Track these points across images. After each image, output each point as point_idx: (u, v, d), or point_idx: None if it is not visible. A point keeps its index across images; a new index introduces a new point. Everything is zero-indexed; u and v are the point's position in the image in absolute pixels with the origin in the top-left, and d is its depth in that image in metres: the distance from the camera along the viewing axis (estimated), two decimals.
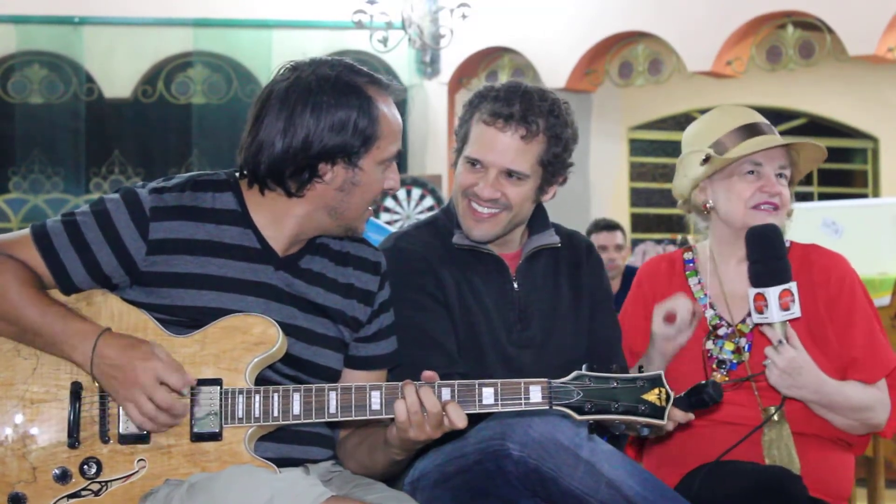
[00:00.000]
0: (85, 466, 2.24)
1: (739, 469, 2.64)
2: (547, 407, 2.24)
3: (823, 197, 10.49)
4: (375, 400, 2.25)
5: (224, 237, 2.35)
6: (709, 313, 2.87)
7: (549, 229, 2.87)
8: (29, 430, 2.25)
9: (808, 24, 8.72)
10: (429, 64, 9.90)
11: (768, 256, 2.72)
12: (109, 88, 9.92)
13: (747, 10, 8.72)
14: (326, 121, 2.30)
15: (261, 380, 2.29)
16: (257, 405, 2.24)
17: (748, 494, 2.54)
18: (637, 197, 10.73)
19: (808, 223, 7.44)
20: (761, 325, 2.72)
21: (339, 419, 2.27)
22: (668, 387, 2.25)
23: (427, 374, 2.26)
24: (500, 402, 2.24)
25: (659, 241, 8.87)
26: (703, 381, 2.31)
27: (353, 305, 2.45)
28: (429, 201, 9.55)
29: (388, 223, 8.81)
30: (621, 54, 9.54)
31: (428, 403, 2.21)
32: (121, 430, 2.25)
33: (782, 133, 2.96)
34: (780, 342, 2.66)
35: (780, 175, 2.83)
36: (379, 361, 2.51)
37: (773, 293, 2.66)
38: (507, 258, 2.82)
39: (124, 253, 2.29)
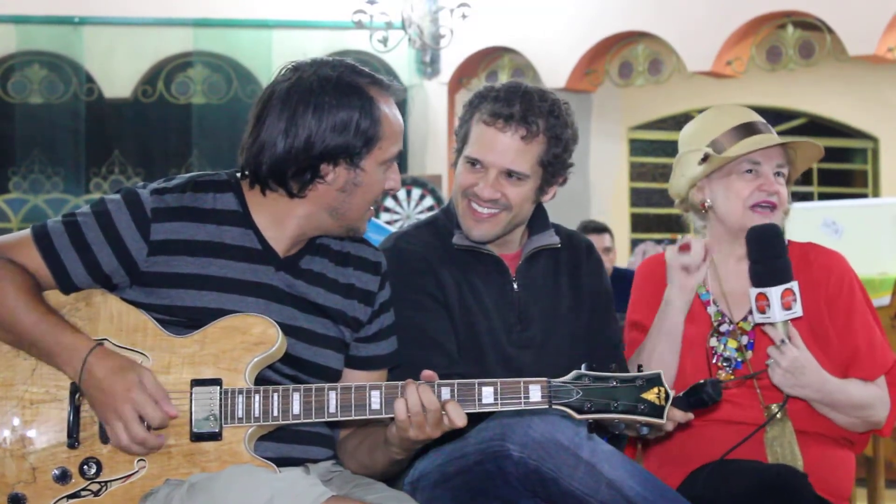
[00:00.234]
0: (85, 467, 2.24)
1: (744, 468, 2.63)
2: (546, 406, 2.24)
3: (823, 197, 10.49)
4: (375, 399, 2.25)
5: (225, 238, 2.35)
6: (711, 309, 2.87)
7: (549, 230, 2.87)
8: (28, 431, 2.25)
9: (808, 24, 8.72)
10: (429, 64, 9.90)
11: (769, 256, 2.72)
12: (109, 88, 9.92)
13: (747, 10, 8.72)
14: (328, 121, 2.30)
15: (261, 380, 2.29)
16: (257, 405, 2.24)
17: (754, 493, 2.54)
18: (637, 197, 10.73)
19: (808, 223, 7.44)
20: (763, 324, 2.72)
21: (339, 419, 2.27)
22: (667, 386, 2.25)
23: (426, 373, 2.26)
24: (499, 402, 2.24)
25: (659, 241, 8.87)
26: (702, 381, 2.31)
27: (353, 306, 2.45)
28: (429, 201, 9.55)
29: (388, 223, 8.81)
30: (621, 54, 9.54)
31: (428, 403, 2.22)
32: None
33: (782, 133, 2.96)
34: (783, 342, 2.67)
35: (778, 174, 2.83)
36: (379, 361, 2.51)
37: (775, 293, 2.66)
38: (507, 259, 2.82)
39: (125, 253, 2.29)
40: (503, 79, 9.55)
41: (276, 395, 2.25)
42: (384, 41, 9.38)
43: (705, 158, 2.81)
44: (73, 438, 2.24)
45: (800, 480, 2.57)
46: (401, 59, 9.76)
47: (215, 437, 2.24)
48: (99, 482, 2.24)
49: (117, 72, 9.91)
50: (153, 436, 2.21)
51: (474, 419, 2.33)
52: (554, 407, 2.24)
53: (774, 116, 10.15)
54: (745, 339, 2.82)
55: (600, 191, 10.21)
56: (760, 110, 3.00)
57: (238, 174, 2.42)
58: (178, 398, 2.24)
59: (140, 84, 9.95)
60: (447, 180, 9.58)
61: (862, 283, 2.91)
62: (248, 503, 2.09)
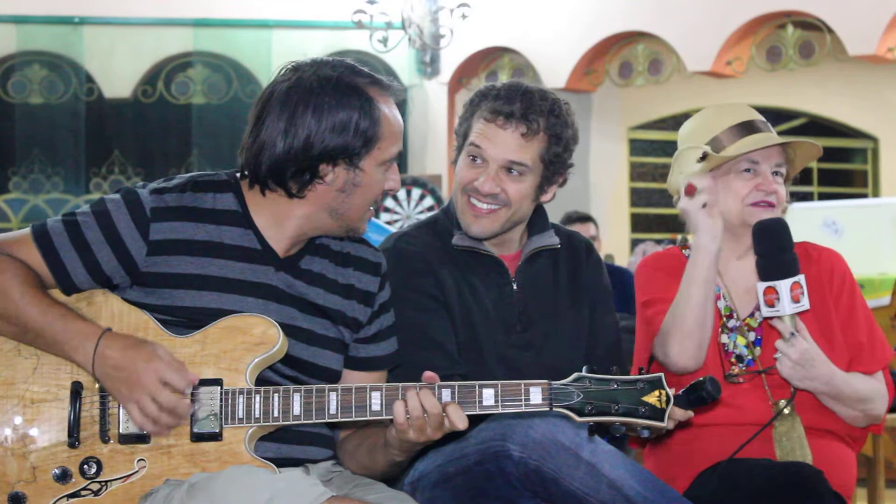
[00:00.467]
0: (85, 466, 2.24)
1: (759, 466, 2.64)
2: (547, 408, 2.24)
3: (823, 197, 10.49)
4: (375, 401, 2.25)
5: (224, 238, 2.35)
6: (721, 304, 2.87)
7: (549, 230, 2.87)
8: (29, 430, 2.25)
9: (808, 24, 8.72)
10: (429, 64, 9.90)
11: (778, 249, 2.73)
12: (109, 88, 9.92)
13: (747, 10, 8.72)
14: (328, 122, 2.29)
15: (261, 380, 2.29)
16: (257, 405, 2.24)
17: (771, 491, 2.53)
18: (637, 197, 10.73)
19: (808, 223, 7.45)
20: (771, 318, 2.73)
21: (340, 420, 2.27)
22: (668, 389, 2.25)
23: (428, 374, 2.26)
24: (500, 404, 2.24)
25: (659, 241, 8.88)
26: (701, 378, 2.31)
27: (353, 306, 2.45)
28: (429, 201, 9.55)
29: (388, 223, 8.81)
30: (621, 54, 9.54)
31: (429, 406, 2.21)
32: (121, 430, 2.25)
33: (782, 133, 2.97)
34: (793, 334, 2.68)
35: (777, 173, 2.84)
36: (379, 362, 2.51)
37: (784, 286, 2.68)
38: (506, 259, 2.82)
39: (125, 253, 2.29)
40: (503, 79, 9.56)
41: (276, 395, 2.25)
42: (384, 41, 9.38)
43: (704, 156, 2.81)
44: (74, 438, 2.24)
45: (818, 477, 2.58)
46: (401, 59, 9.77)
47: (216, 437, 2.24)
48: (99, 482, 2.24)
49: (117, 72, 9.92)
50: (182, 402, 2.20)
51: (474, 420, 2.33)
52: (555, 409, 2.24)
53: (774, 116, 10.15)
54: (752, 336, 2.83)
55: (600, 191, 10.22)
56: (760, 110, 2.99)
57: (238, 174, 2.42)
58: (181, 398, 2.24)
59: (140, 84, 9.95)
60: (447, 180, 9.58)
61: (858, 281, 2.93)
62: (248, 503, 2.09)
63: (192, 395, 2.24)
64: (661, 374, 2.26)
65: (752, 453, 2.67)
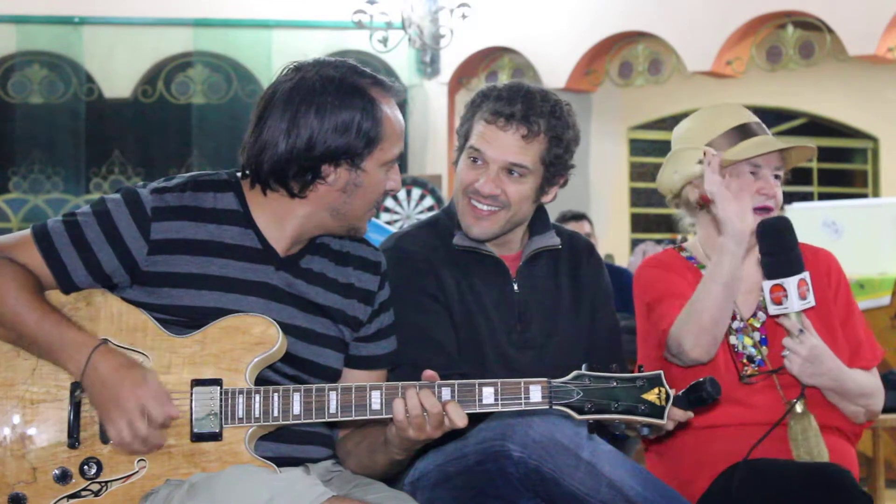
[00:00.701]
0: (85, 467, 2.24)
1: (782, 466, 2.64)
2: (547, 407, 2.24)
3: (823, 197, 10.48)
4: (375, 400, 2.25)
5: (225, 237, 2.35)
6: None
7: (550, 231, 2.87)
8: (29, 431, 2.25)
9: (808, 24, 8.72)
10: (429, 64, 9.90)
11: (785, 247, 2.74)
12: (109, 88, 9.92)
13: (747, 10, 8.73)
14: (330, 122, 2.29)
15: (261, 380, 2.29)
16: (257, 405, 2.24)
17: (798, 492, 2.53)
18: (637, 197, 10.73)
19: (808, 223, 7.44)
20: (778, 316, 2.74)
21: (340, 419, 2.27)
22: (667, 386, 2.25)
23: (428, 373, 2.26)
24: (500, 402, 2.24)
25: (659, 241, 8.87)
26: (701, 379, 2.31)
27: (353, 305, 2.45)
28: (429, 201, 9.55)
29: (389, 223, 8.81)
30: (621, 54, 9.55)
31: (429, 405, 2.21)
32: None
33: (782, 133, 2.99)
34: (801, 331, 2.69)
35: (776, 176, 2.85)
36: (379, 361, 2.51)
37: (792, 283, 2.69)
38: (507, 260, 2.82)
39: (125, 253, 2.29)
40: (503, 79, 9.56)
41: (276, 395, 2.25)
42: (384, 41, 9.38)
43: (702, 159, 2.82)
44: (74, 438, 2.24)
45: (847, 477, 2.58)
46: (401, 59, 9.77)
47: (216, 437, 2.23)
48: (99, 482, 2.24)
49: (117, 72, 9.92)
50: (155, 433, 2.21)
51: (474, 419, 2.33)
52: (554, 407, 2.24)
53: (774, 116, 10.15)
54: (756, 336, 2.84)
55: (600, 191, 10.22)
56: (760, 110, 3.00)
57: (238, 174, 2.42)
58: (178, 398, 2.24)
59: (140, 84, 9.96)
60: (447, 180, 9.58)
61: (858, 281, 2.96)
62: (248, 503, 2.09)
63: (192, 395, 2.24)
64: (661, 372, 2.26)
65: (768, 453, 2.67)
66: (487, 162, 2.72)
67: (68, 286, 2.30)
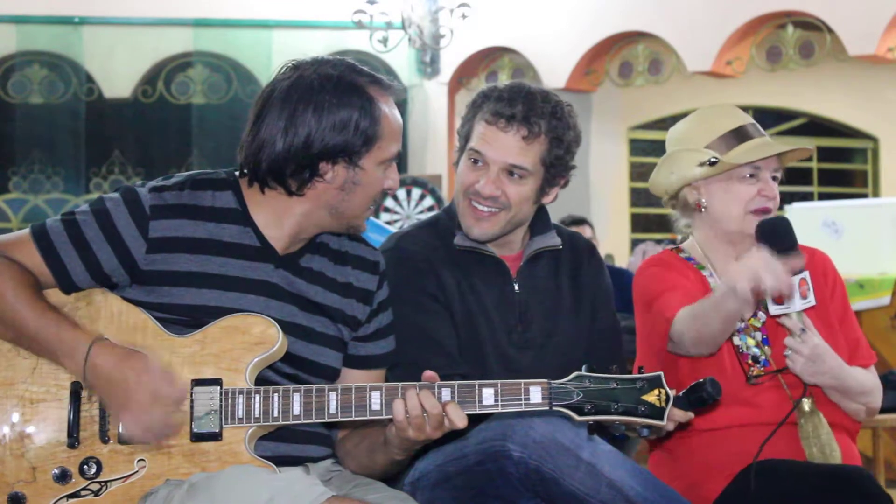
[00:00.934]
0: (84, 466, 2.24)
1: (801, 468, 2.63)
2: (547, 407, 2.24)
3: (823, 197, 10.48)
4: (375, 400, 2.25)
5: (224, 236, 2.35)
6: None
7: (551, 231, 2.87)
8: (28, 430, 2.25)
9: (808, 24, 8.72)
10: (429, 64, 9.90)
11: (784, 247, 2.74)
12: (109, 88, 9.92)
13: (747, 10, 8.72)
14: (328, 120, 2.30)
15: (261, 379, 2.29)
16: (257, 405, 2.24)
17: (819, 494, 2.52)
18: (637, 197, 10.73)
19: (808, 223, 7.43)
20: (779, 316, 2.74)
21: (339, 419, 2.27)
22: (667, 387, 2.25)
23: (428, 373, 2.26)
24: (500, 403, 2.24)
25: (659, 241, 8.87)
26: (701, 380, 2.31)
27: (351, 304, 2.45)
28: (429, 201, 9.55)
29: (388, 223, 8.81)
30: (621, 54, 9.54)
31: (429, 406, 2.21)
32: (120, 430, 2.25)
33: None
34: (803, 330, 2.70)
35: (774, 178, 2.86)
36: (377, 361, 2.51)
37: (794, 282, 2.69)
38: (508, 260, 2.82)
39: (124, 251, 2.29)
40: (503, 79, 9.56)
41: (276, 395, 2.25)
42: (384, 41, 9.38)
43: (713, 163, 2.82)
44: (73, 438, 2.24)
45: (869, 479, 2.57)
46: (401, 59, 9.77)
47: (215, 437, 2.23)
48: (99, 482, 2.24)
49: (117, 72, 9.92)
50: (171, 416, 2.20)
51: (474, 419, 2.33)
52: (554, 408, 2.24)
53: (774, 116, 10.15)
54: (758, 336, 2.84)
55: (600, 191, 10.22)
56: (760, 110, 3.01)
57: (237, 172, 2.42)
58: (173, 411, 2.23)
59: (140, 84, 9.95)
60: (447, 180, 9.58)
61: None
62: (248, 503, 2.09)
63: (192, 395, 2.24)
64: (661, 373, 2.26)
65: (780, 453, 2.66)
66: (488, 163, 2.72)
67: (68, 286, 2.30)
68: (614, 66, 9.57)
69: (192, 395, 2.24)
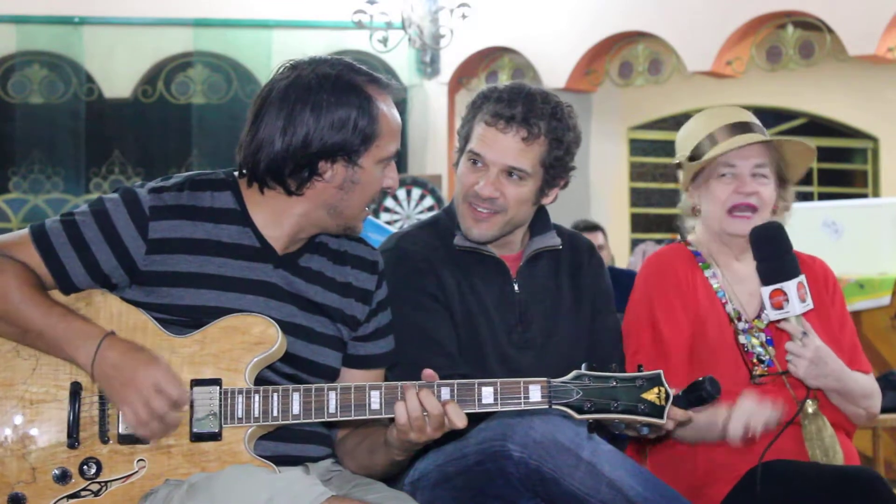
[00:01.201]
0: (84, 467, 2.24)
1: (808, 469, 2.63)
2: (546, 406, 2.24)
3: (823, 197, 10.47)
4: (375, 400, 2.25)
5: (223, 236, 2.35)
6: (728, 307, 2.87)
7: (551, 231, 2.88)
8: (28, 431, 2.25)
9: (808, 24, 8.71)
10: (429, 64, 9.89)
11: (780, 252, 2.75)
12: (109, 88, 9.91)
13: (747, 10, 8.71)
14: (326, 119, 2.30)
15: (260, 379, 2.29)
16: (257, 405, 2.24)
17: (829, 495, 2.53)
18: (637, 197, 10.72)
19: (808, 223, 7.42)
20: (779, 321, 2.75)
21: (339, 419, 2.27)
22: (667, 386, 2.25)
23: (427, 372, 2.26)
24: (499, 402, 2.24)
25: (659, 241, 8.87)
26: (701, 378, 2.31)
27: (351, 304, 2.45)
28: (429, 201, 9.54)
29: (388, 223, 8.80)
30: (621, 54, 9.53)
31: (429, 406, 2.22)
32: (120, 431, 2.25)
33: (782, 133, 2.98)
34: (805, 333, 2.70)
35: (758, 175, 2.84)
36: (377, 360, 2.51)
37: (791, 286, 2.70)
38: (508, 260, 2.82)
39: (124, 252, 2.29)
40: (503, 79, 9.55)
41: (275, 395, 2.25)
42: (384, 41, 9.38)
43: (679, 166, 2.88)
44: (73, 438, 2.24)
45: (879, 481, 2.58)
46: (401, 59, 9.76)
47: (215, 437, 2.24)
48: (99, 482, 2.24)
49: (117, 72, 9.91)
50: (172, 413, 2.21)
51: (474, 419, 2.33)
52: (554, 407, 2.24)
53: (774, 116, 10.14)
54: (762, 336, 2.84)
55: (600, 191, 10.21)
56: (760, 110, 3.02)
57: (236, 173, 2.42)
58: (173, 409, 2.23)
59: (140, 84, 9.94)
60: (447, 180, 9.57)
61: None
62: (248, 503, 2.09)
63: (191, 395, 2.24)
64: (660, 372, 2.26)
65: (784, 453, 2.66)
66: (487, 164, 2.72)
67: (67, 286, 2.30)
68: (614, 66, 9.56)
69: (191, 396, 2.24)
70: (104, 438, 2.25)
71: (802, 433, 2.73)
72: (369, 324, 2.49)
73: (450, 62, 9.87)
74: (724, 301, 2.87)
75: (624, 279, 5.58)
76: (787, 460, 2.65)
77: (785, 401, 2.76)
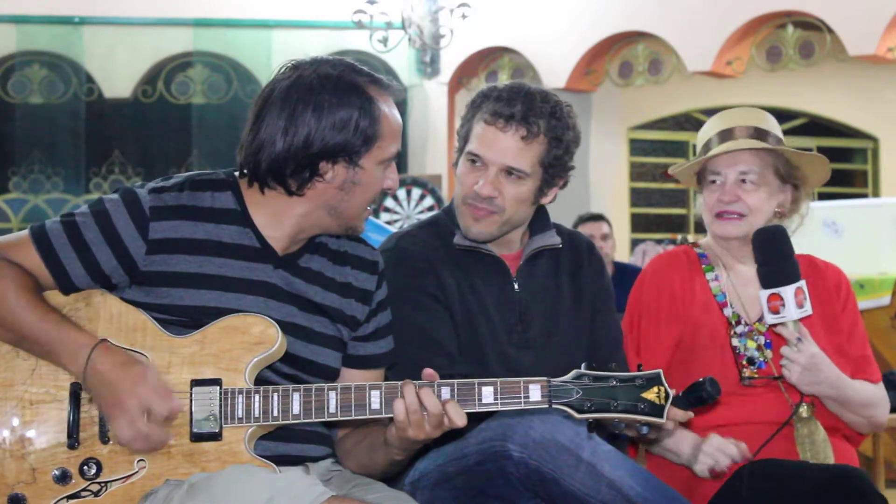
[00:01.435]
0: (85, 467, 2.24)
1: (795, 468, 2.64)
2: (546, 405, 2.24)
3: (823, 197, 10.47)
4: (375, 399, 2.25)
5: (223, 236, 2.35)
6: (728, 311, 2.88)
7: (551, 230, 2.87)
8: (28, 431, 2.25)
9: (808, 24, 8.72)
10: (429, 64, 9.89)
11: (780, 256, 2.75)
12: (109, 88, 9.92)
13: (747, 10, 8.72)
14: (328, 120, 2.30)
15: (260, 380, 2.29)
16: (257, 405, 2.24)
17: (814, 493, 2.53)
18: (637, 197, 10.72)
19: (808, 223, 7.42)
20: (776, 325, 2.75)
21: (339, 419, 2.27)
22: (667, 385, 2.25)
23: (427, 372, 2.26)
24: (499, 401, 2.24)
25: (659, 241, 8.88)
26: (701, 379, 2.31)
27: (351, 304, 2.45)
28: (429, 201, 9.54)
29: (388, 223, 8.81)
30: (621, 54, 9.54)
31: (428, 404, 2.22)
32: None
33: (782, 133, 2.98)
34: (799, 339, 2.70)
35: (744, 181, 2.85)
36: (377, 360, 2.51)
37: (789, 292, 2.70)
38: (507, 259, 2.82)
39: (124, 252, 2.29)
40: (503, 79, 9.56)
41: (275, 395, 2.25)
42: (384, 41, 9.38)
43: (670, 176, 2.93)
44: (73, 439, 2.24)
45: (863, 479, 2.58)
46: (401, 59, 9.76)
47: (215, 437, 2.23)
48: (99, 482, 2.24)
49: (117, 72, 9.92)
50: (158, 430, 2.21)
51: (474, 419, 2.33)
52: (554, 406, 2.24)
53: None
54: (761, 340, 2.84)
55: (600, 191, 10.21)
56: (760, 110, 3.01)
57: (236, 173, 2.42)
58: (178, 398, 2.23)
59: (140, 84, 9.95)
60: (447, 180, 9.58)
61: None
62: (248, 503, 2.09)
63: (191, 395, 2.24)
64: (660, 371, 2.26)
65: (775, 453, 2.67)
66: (486, 164, 2.72)
67: (67, 287, 2.30)
68: (614, 66, 9.56)
69: (191, 396, 2.24)
70: (104, 439, 2.24)
71: (794, 435, 2.73)
72: (369, 324, 2.49)
73: (450, 62, 9.87)
74: (723, 303, 2.87)
75: (630, 275, 5.60)
76: (775, 459, 2.65)
77: (777, 401, 2.77)
